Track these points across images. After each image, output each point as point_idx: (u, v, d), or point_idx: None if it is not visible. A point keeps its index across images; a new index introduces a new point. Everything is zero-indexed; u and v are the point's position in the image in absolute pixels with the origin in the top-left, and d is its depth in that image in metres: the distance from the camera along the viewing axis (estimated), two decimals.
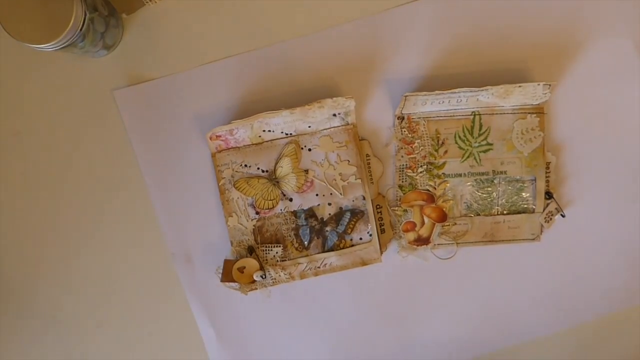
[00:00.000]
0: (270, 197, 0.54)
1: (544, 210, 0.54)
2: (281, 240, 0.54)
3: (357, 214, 0.54)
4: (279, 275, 0.54)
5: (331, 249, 0.54)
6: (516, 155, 0.54)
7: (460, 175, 0.54)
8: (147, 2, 0.54)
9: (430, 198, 0.54)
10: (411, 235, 0.54)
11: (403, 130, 0.54)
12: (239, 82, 0.55)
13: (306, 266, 0.54)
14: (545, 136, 0.54)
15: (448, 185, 0.54)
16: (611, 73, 0.55)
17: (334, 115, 0.53)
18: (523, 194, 0.54)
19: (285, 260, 0.54)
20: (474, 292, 0.56)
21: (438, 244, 0.55)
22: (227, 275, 0.53)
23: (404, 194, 0.55)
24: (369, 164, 0.55)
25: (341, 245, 0.54)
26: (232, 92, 0.55)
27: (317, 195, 0.54)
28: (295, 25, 0.55)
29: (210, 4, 0.54)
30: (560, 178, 0.55)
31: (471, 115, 0.54)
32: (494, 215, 0.54)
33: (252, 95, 0.55)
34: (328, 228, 0.54)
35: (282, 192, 0.54)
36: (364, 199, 0.54)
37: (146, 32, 0.55)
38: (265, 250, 0.54)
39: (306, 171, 0.54)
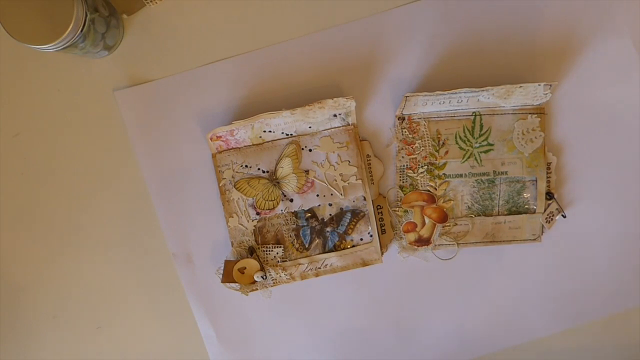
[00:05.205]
0: (271, 197, 0.54)
1: (544, 210, 0.54)
2: (282, 240, 0.54)
3: (357, 215, 0.54)
4: (280, 276, 0.54)
5: (332, 250, 0.54)
6: (517, 156, 0.54)
7: (461, 175, 0.54)
8: (147, 3, 0.54)
9: (431, 198, 0.54)
10: (412, 236, 0.54)
11: (404, 130, 0.54)
12: (240, 82, 0.55)
13: (307, 267, 0.54)
14: (546, 136, 0.54)
15: (449, 185, 0.54)
16: (612, 73, 0.55)
17: (335, 115, 0.53)
18: (524, 194, 0.54)
19: (286, 260, 0.54)
20: (475, 292, 0.56)
21: (439, 245, 0.55)
22: (228, 275, 0.53)
23: (404, 194, 0.55)
24: (369, 164, 0.55)
25: (342, 246, 0.54)
26: (233, 93, 0.55)
27: (317, 195, 0.54)
28: (295, 25, 0.55)
29: (211, 4, 0.54)
30: (561, 178, 0.55)
31: (472, 115, 0.54)
32: (495, 215, 0.54)
33: (252, 96, 0.55)
34: (329, 229, 0.54)
35: (283, 193, 0.54)
36: (364, 199, 0.54)
37: (147, 33, 0.55)
38: (266, 250, 0.54)
39: (307, 172, 0.54)
